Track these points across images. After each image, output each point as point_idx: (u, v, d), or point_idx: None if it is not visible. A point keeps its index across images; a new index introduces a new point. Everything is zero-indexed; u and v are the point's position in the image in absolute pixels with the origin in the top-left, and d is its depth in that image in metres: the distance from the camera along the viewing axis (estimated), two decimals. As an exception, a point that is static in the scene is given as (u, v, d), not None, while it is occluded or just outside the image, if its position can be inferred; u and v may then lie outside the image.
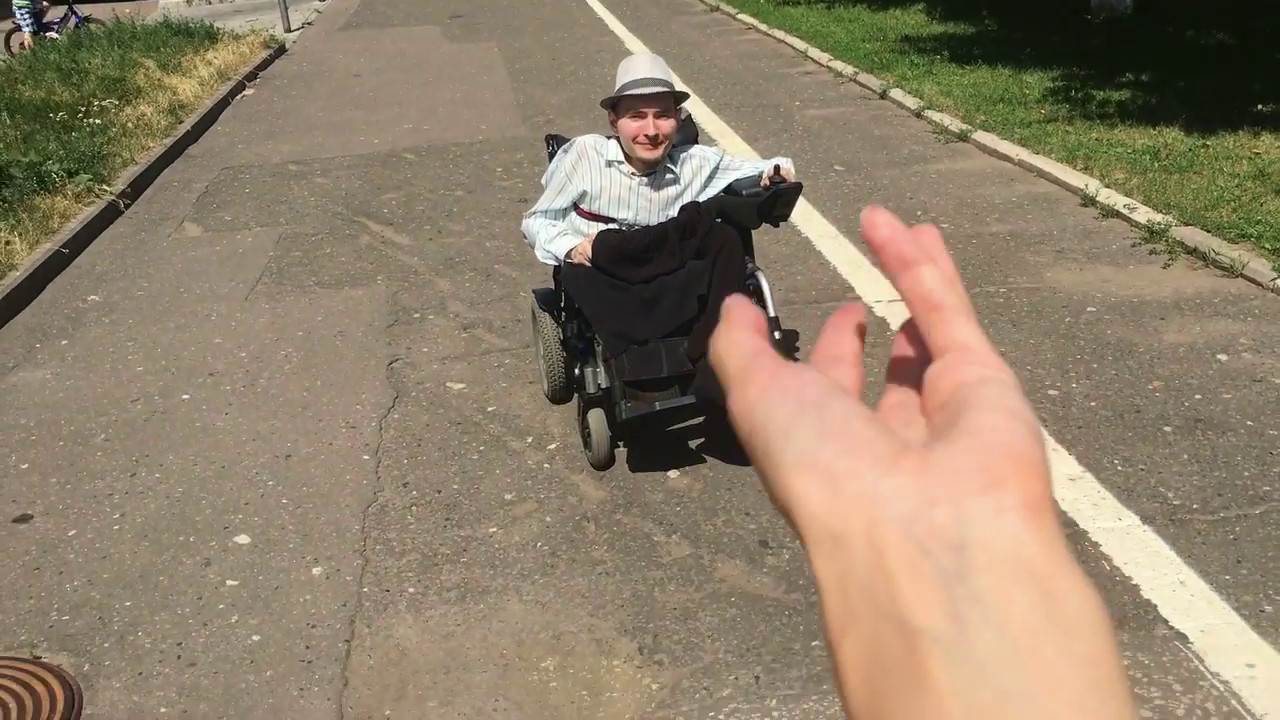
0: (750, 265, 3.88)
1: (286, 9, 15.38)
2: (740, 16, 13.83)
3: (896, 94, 8.84)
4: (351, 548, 3.47)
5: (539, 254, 3.93)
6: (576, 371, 3.82)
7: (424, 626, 3.08)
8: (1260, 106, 7.55)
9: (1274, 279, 4.72)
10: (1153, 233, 5.42)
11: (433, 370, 4.65)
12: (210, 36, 12.82)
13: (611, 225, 3.85)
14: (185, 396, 4.58)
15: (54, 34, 14.05)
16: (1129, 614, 2.84)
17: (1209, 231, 5.28)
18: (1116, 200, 5.85)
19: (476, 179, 7.47)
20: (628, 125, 3.75)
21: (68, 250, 6.25)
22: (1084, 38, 10.56)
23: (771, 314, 3.77)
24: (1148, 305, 4.71)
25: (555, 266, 3.94)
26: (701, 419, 3.95)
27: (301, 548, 3.48)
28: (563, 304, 4.04)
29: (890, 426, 0.32)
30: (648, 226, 3.84)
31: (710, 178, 3.94)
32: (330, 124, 9.52)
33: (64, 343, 5.24)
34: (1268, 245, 5.01)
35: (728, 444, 3.79)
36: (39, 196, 6.75)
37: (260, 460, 4.02)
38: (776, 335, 3.67)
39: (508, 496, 3.69)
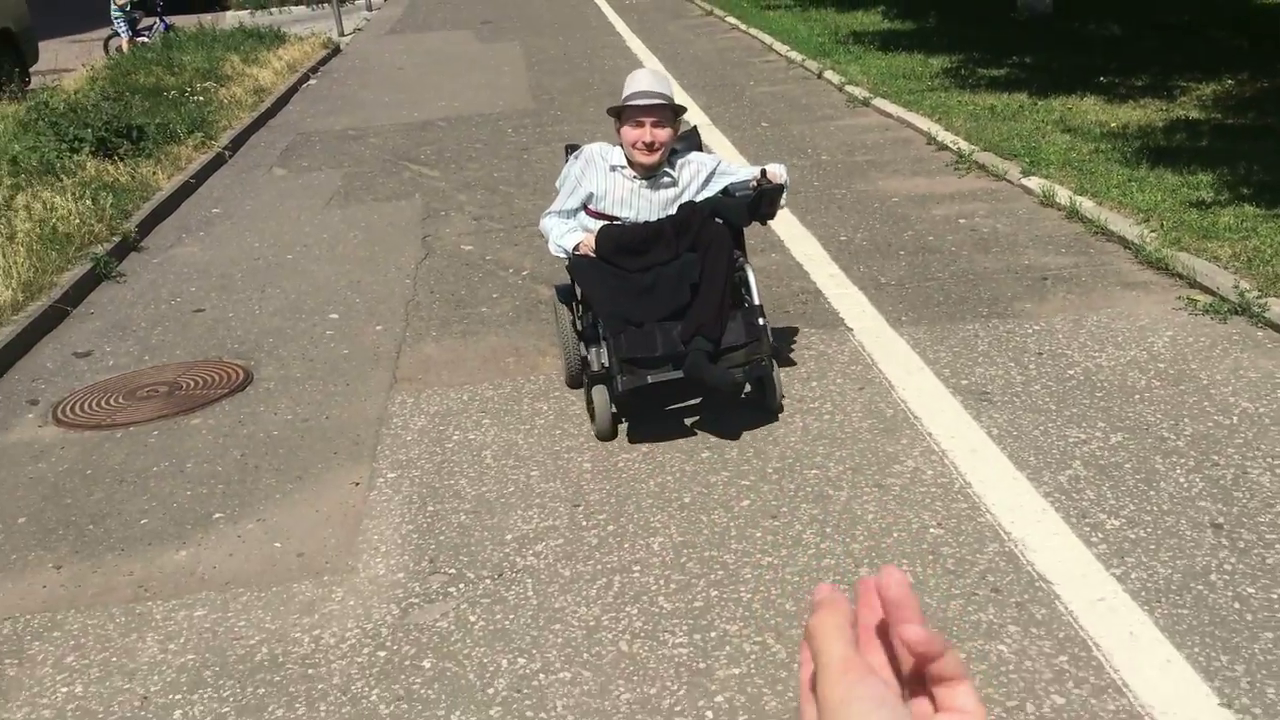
0: (740, 259, 4.31)
1: (340, 17, 17.89)
2: (728, 19, 16.15)
3: (829, 74, 11.11)
4: (399, 319, 5.79)
5: (552, 248, 4.40)
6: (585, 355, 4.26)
7: (441, 347, 5.40)
8: (1101, 78, 9.74)
9: (1020, 179, 6.95)
10: (961, 157, 7.67)
11: (452, 240, 6.99)
12: (278, 38, 15.32)
13: (615, 222, 4.28)
14: (289, 256, 6.95)
15: (144, 39, 16.59)
16: (829, 322, 5.12)
17: (996, 154, 7.52)
18: (947, 139, 8.10)
19: (492, 136, 9.84)
20: (629, 133, 4.17)
21: (195, 181, 8.68)
22: (1003, 31, 12.76)
23: (756, 302, 4.20)
24: (934, 197, 6.96)
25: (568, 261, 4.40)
26: (698, 400, 4.44)
27: (370, 319, 5.82)
28: (578, 297, 4.48)
29: None
30: (647, 222, 4.24)
31: (706, 181, 4.35)
32: (379, 104, 11.93)
33: (201, 234, 7.64)
34: (1026, 159, 7.23)
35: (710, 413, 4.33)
36: (169, 146, 9.18)
37: (341, 284, 6.37)
38: (761, 321, 4.12)
39: (494, 295, 6.01)
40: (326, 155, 9.68)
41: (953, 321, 5.03)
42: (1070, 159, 7.18)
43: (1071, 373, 4.40)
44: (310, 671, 3.10)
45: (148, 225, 7.66)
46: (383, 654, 3.14)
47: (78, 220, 7.06)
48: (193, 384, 5.15)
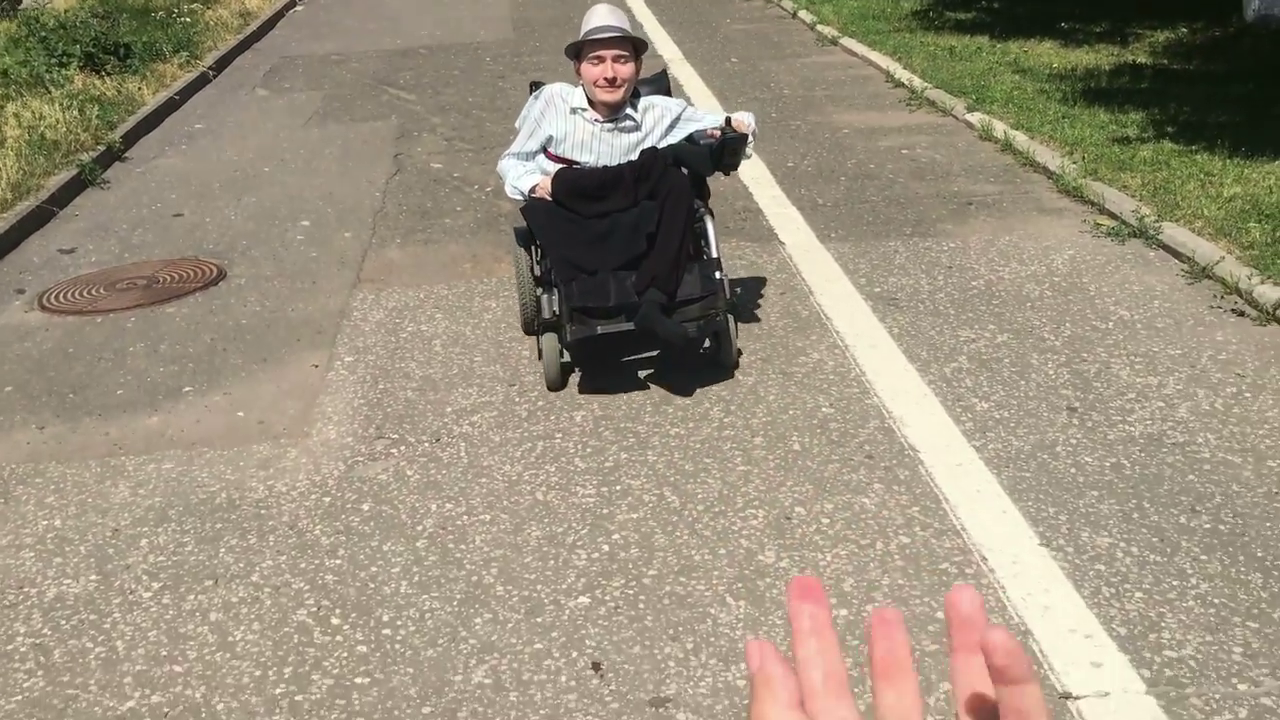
0: (700, 209, 4.16)
1: (330, -55, 18.02)
2: (713, -42, 16.32)
3: (803, 14, 11.38)
4: (367, 227, 6.16)
5: (508, 190, 4.28)
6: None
7: (404, 253, 5.77)
8: (1062, 24, 10.03)
9: (965, 114, 7.31)
10: (913, 93, 8.01)
11: (423, 159, 7.33)
12: (267, -35, 15.46)
13: (574, 166, 4.16)
14: (266, 169, 7.29)
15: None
16: (764, 236, 5.50)
17: (947, 92, 7.85)
18: (904, 76, 8.43)
19: (470, 64, 10.13)
20: (589, 70, 4.04)
21: (179, 98, 8.98)
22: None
23: (715, 254, 4.06)
24: (881, 129, 7.31)
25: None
26: (655, 353, 4.19)
27: (339, 227, 6.18)
28: (536, 241, 4.26)
29: None
30: (606, 167, 4.11)
31: (671, 127, 4.20)
32: (363, 31, 12.18)
33: (184, 147, 7.97)
34: (973, 97, 7.58)
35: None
36: (155, 64, 9.47)
37: (315, 194, 6.72)
38: (717, 275, 3.99)
39: (458, 209, 6.37)
40: (308, 78, 9.97)
41: (877, 239, 5.41)
42: (1014, 97, 7.53)
43: (974, 284, 4.80)
44: (262, 512, 3.51)
45: (132, 137, 7.99)
46: (327, 499, 3.55)
47: (65, 129, 7.39)
48: (169, 279, 5.53)
